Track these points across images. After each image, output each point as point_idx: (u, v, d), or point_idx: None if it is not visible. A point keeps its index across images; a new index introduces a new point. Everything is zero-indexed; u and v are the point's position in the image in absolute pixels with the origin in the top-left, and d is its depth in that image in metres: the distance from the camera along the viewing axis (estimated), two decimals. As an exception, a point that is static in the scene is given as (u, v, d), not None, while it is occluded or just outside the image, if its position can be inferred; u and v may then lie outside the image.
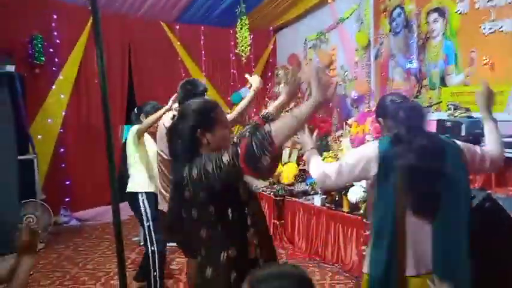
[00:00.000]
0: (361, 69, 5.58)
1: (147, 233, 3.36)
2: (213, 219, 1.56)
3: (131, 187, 3.52)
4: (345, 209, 3.89)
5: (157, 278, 3.32)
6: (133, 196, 3.47)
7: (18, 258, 2.05)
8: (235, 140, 1.78)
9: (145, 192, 3.44)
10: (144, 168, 3.51)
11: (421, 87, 4.65)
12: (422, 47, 4.63)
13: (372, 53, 5.40)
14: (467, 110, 3.77)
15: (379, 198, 1.79)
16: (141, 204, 3.43)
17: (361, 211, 3.68)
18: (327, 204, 4.12)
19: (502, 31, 3.75)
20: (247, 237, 1.62)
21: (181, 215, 1.68)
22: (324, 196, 4.17)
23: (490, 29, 3.85)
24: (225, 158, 1.43)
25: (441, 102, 4.30)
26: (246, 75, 3.10)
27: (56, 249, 4.80)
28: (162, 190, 3.00)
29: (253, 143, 1.38)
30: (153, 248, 3.32)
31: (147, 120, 3.34)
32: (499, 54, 3.79)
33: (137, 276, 3.68)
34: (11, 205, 4.62)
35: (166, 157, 2.90)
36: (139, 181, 3.50)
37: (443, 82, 4.41)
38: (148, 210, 3.41)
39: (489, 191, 2.41)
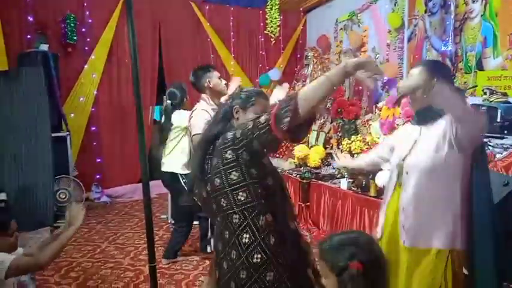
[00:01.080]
0: (393, 52, 5.43)
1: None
2: (255, 181, 1.59)
3: (173, 168, 3.67)
4: (372, 193, 3.84)
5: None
6: (175, 176, 3.64)
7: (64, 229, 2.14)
8: None
9: (186, 174, 3.56)
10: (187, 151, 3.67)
11: (456, 71, 4.50)
12: (459, 28, 4.46)
13: (406, 34, 5.24)
14: (504, 94, 3.64)
15: (481, 187, 1.79)
16: (182, 184, 3.58)
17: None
18: (353, 188, 4.08)
19: (546, 12, 3.57)
20: (286, 207, 1.71)
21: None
22: (351, 180, 4.13)
23: (533, 10, 3.67)
24: (263, 117, 1.52)
25: (477, 86, 4.15)
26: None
27: (88, 224, 4.97)
28: None
29: (281, 105, 1.46)
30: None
31: None
32: (541, 36, 3.62)
33: (166, 254, 3.81)
34: (45, 180, 4.79)
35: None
36: (181, 163, 3.65)
37: (479, 66, 4.25)
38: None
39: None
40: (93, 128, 6.13)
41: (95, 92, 6.10)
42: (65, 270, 3.67)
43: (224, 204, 1.62)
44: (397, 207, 1.95)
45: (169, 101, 3.89)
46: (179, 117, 3.74)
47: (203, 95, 3.20)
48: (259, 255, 1.54)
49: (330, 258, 1.23)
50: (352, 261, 1.17)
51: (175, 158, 3.71)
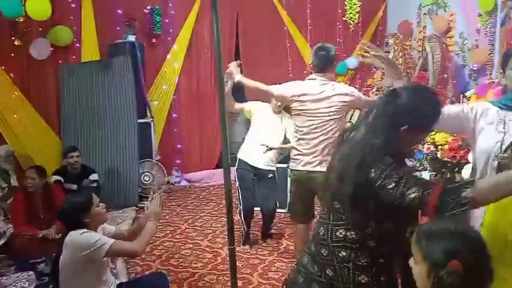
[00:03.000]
0: (484, 37, 5.04)
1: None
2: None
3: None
4: (456, 187, 3.64)
5: (243, 232, 3.91)
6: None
7: (144, 222, 2.33)
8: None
9: (238, 159, 3.95)
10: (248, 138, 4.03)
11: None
12: (562, 10, 4.04)
13: (499, 18, 4.84)
14: None
15: None
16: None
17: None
18: (436, 181, 3.89)
19: None
20: None
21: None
22: (433, 173, 3.94)
23: None
24: (412, 195, 1.32)
25: None
26: None
27: (169, 206, 5.25)
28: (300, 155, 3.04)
29: (448, 202, 1.27)
30: (240, 207, 3.85)
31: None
32: None
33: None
34: (131, 164, 5.13)
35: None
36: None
37: None
38: (236, 174, 3.88)
39: None
40: (175, 115, 6.42)
41: (177, 80, 6.37)
42: (149, 248, 3.91)
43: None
44: None
45: None
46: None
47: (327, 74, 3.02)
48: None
49: (427, 248, 1.14)
50: (452, 260, 1.06)
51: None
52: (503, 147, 1.73)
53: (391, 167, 1.37)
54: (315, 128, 2.95)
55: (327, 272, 1.59)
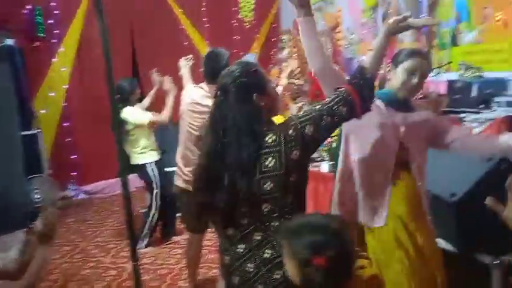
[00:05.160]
0: (368, 31, 5.39)
1: (153, 198, 3.88)
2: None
3: (141, 159, 3.89)
4: (354, 175, 3.82)
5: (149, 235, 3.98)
6: (143, 167, 3.88)
7: (34, 249, 1.98)
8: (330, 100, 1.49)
9: (154, 162, 3.88)
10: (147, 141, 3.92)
11: (431, 48, 4.49)
12: (433, 4, 4.45)
13: (380, 13, 5.20)
14: (479, 69, 3.65)
15: None
16: (150, 173, 3.86)
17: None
18: (335, 171, 4.05)
19: (518, -16, 3.56)
20: None
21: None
22: (332, 163, 4.09)
23: (505, -17, 3.65)
24: (343, 108, 1.42)
25: (451, 62, 4.15)
26: None
27: (65, 223, 4.82)
28: (182, 165, 2.92)
29: (364, 90, 1.44)
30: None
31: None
32: (513, 9, 3.61)
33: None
34: (16, 181, 4.61)
35: (195, 133, 2.79)
36: (147, 153, 3.90)
37: (454, 41, 4.25)
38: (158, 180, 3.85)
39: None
40: (66, 124, 5.92)
41: (66, 86, 5.89)
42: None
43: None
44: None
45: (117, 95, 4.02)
46: (132, 114, 3.85)
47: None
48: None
49: (293, 246, 1.14)
50: (315, 256, 1.08)
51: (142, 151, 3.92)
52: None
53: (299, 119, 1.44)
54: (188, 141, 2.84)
55: None
